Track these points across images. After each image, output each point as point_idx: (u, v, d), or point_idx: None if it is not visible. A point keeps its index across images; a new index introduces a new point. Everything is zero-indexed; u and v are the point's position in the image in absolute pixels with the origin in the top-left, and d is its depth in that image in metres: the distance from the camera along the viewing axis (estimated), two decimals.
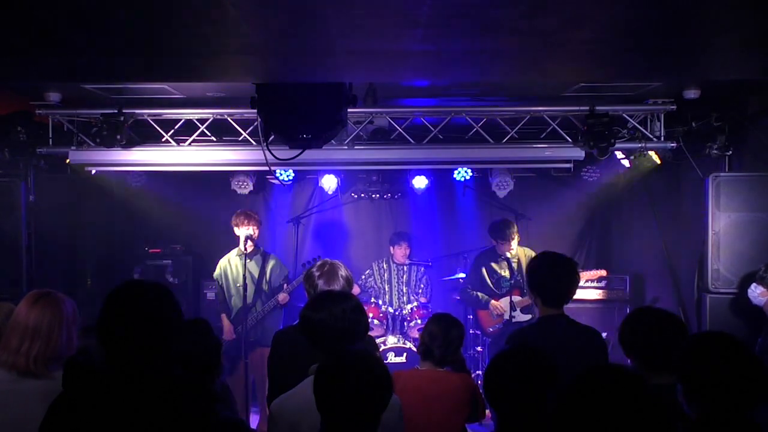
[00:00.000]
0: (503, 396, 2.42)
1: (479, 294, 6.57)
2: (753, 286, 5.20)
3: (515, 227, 6.43)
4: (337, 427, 2.21)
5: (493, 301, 6.48)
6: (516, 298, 6.34)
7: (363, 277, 7.18)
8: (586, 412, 1.67)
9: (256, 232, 6.13)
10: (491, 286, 6.56)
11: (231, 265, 6.22)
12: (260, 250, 6.25)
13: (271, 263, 6.22)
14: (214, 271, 6.33)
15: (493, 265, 6.57)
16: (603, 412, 1.66)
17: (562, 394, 1.73)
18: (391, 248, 7.10)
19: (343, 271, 3.53)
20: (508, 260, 6.41)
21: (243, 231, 6.09)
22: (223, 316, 6.20)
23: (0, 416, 2.65)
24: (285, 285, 6.12)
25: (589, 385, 1.72)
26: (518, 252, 6.47)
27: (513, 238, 6.38)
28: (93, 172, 6.42)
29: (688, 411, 2.19)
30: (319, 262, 3.63)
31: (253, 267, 6.15)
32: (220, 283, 6.27)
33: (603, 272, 6.84)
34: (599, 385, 1.71)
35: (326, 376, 2.24)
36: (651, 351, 2.68)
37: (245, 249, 6.08)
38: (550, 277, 3.37)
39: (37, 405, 2.12)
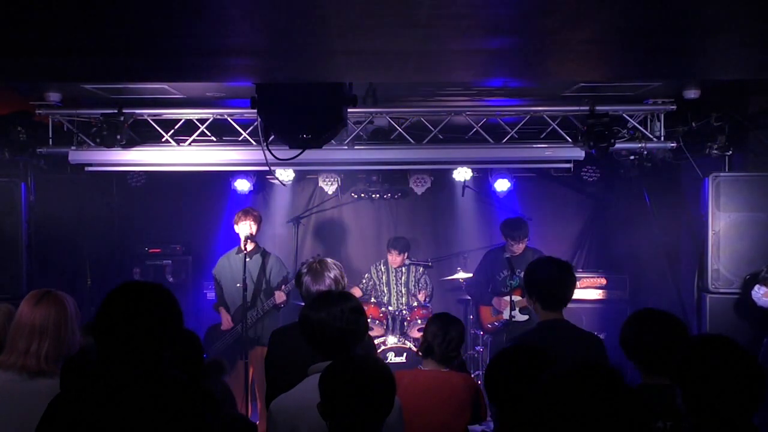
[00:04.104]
0: (503, 392, 2.44)
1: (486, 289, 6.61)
2: (756, 287, 5.19)
3: (528, 228, 6.44)
4: (343, 430, 2.22)
5: (496, 298, 6.50)
6: (516, 298, 6.34)
7: (363, 282, 7.18)
8: (559, 411, 1.67)
9: (255, 228, 6.11)
10: (498, 284, 6.56)
11: (231, 262, 6.21)
12: (261, 250, 6.24)
13: (270, 263, 6.22)
14: (214, 267, 6.34)
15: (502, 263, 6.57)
16: (576, 410, 1.66)
17: (540, 392, 1.73)
18: (388, 253, 7.09)
19: (332, 272, 3.43)
20: (508, 259, 6.41)
21: (242, 227, 6.08)
22: (222, 309, 6.21)
23: (14, 417, 2.64)
24: (283, 285, 6.11)
25: (563, 382, 1.71)
26: (527, 252, 6.47)
27: (526, 237, 6.39)
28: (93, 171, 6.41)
29: (688, 414, 2.18)
30: (310, 260, 3.61)
31: (253, 266, 6.14)
32: (218, 279, 6.27)
33: (603, 280, 6.87)
34: (573, 382, 1.71)
35: (332, 381, 2.25)
36: (653, 354, 2.67)
37: (245, 248, 6.08)
38: (548, 282, 3.37)
39: None
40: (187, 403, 2.06)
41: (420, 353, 3.61)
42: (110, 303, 2.10)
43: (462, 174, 6.98)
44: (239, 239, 6.13)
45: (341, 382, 2.24)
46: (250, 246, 6.09)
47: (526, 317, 6.25)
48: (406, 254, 7.02)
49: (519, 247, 6.41)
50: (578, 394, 1.67)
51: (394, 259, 6.98)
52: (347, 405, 2.20)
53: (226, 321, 6.15)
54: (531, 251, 6.46)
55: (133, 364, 2.04)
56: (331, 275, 3.43)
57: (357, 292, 7.02)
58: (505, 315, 6.26)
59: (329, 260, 3.52)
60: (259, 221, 6.15)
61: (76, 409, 2.03)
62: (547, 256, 3.59)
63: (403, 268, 7.07)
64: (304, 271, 3.47)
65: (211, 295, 6.87)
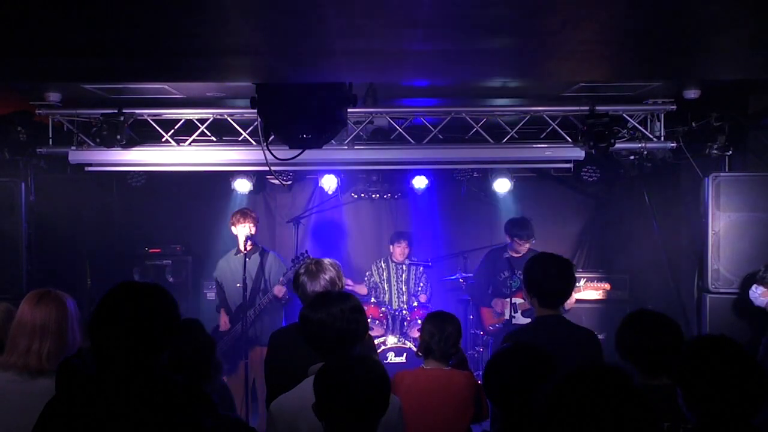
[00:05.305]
0: (503, 391, 2.45)
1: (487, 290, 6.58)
2: (754, 287, 5.20)
3: (533, 228, 6.41)
4: (337, 430, 2.22)
5: (496, 299, 6.49)
6: (518, 300, 6.33)
7: (365, 279, 7.19)
8: (571, 412, 1.67)
9: (254, 229, 6.11)
10: (499, 284, 6.54)
11: (230, 264, 6.21)
12: (258, 248, 6.24)
13: (269, 261, 6.21)
14: (214, 271, 6.34)
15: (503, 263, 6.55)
16: (588, 411, 1.66)
17: (547, 393, 1.73)
18: (391, 247, 7.10)
19: (327, 274, 3.41)
20: (508, 260, 6.40)
21: (241, 230, 6.08)
22: (222, 310, 6.21)
23: (14, 417, 2.63)
24: (281, 278, 6.09)
25: (574, 384, 1.71)
26: (529, 254, 6.45)
27: (533, 237, 6.33)
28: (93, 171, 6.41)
29: (688, 415, 2.18)
30: (308, 261, 3.59)
31: (252, 265, 6.13)
32: (219, 281, 6.27)
33: (607, 286, 6.84)
34: (585, 384, 1.71)
35: (325, 382, 2.25)
36: (647, 355, 2.67)
37: (245, 248, 6.07)
38: (546, 278, 3.34)
39: None
40: (182, 405, 2.05)
41: (420, 354, 3.61)
42: (106, 303, 2.08)
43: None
44: (237, 240, 6.14)
45: (333, 383, 2.23)
46: (249, 246, 6.09)
47: (528, 321, 6.22)
48: (406, 243, 7.04)
49: (524, 247, 6.33)
50: (590, 395, 1.67)
51: (399, 250, 6.99)
52: (339, 405, 2.20)
53: (224, 322, 6.15)
54: (532, 253, 6.44)
55: (128, 365, 2.03)
56: (327, 276, 3.40)
57: (363, 289, 7.03)
58: (506, 316, 6.25)
59: (326, 261, 3.50)
60: (254, 220, 6.13)
61: (71, 411, 2.02)
62: (546, 252, 3.54)
63: (404, 266, 7.08)
64: (302, 272, 3.46)
65: (211, 295, 6.88)
